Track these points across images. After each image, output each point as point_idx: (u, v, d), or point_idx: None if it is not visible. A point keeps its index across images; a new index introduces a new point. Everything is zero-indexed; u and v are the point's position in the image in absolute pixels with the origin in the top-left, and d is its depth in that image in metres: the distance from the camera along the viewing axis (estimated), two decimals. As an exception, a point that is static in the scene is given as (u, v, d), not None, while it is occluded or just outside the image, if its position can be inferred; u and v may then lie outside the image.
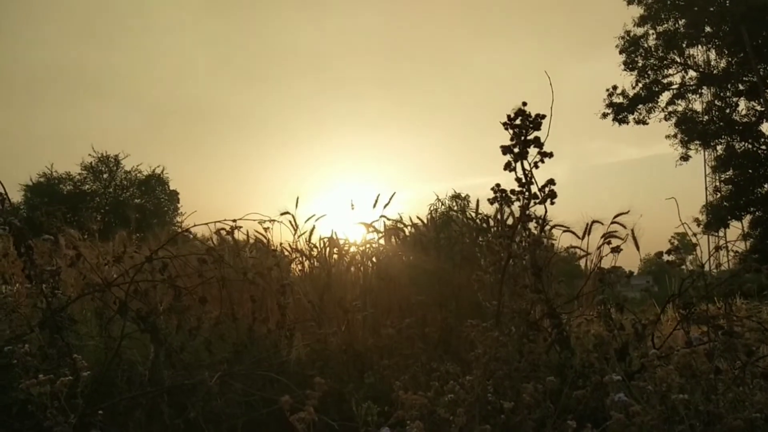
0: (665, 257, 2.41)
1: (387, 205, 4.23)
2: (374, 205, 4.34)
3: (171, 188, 39.11)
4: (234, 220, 3.09)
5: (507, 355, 1.74)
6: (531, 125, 1.53)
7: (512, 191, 1.59)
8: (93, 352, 2.79)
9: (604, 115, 25.60)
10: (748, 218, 24.14)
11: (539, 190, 1.56)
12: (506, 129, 1.55)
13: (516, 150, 1.53)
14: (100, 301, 2.76)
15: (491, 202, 1.60)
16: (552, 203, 1.56)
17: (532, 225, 2.02)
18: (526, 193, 1.53)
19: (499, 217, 3.99)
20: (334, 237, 4.00)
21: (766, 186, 23.48)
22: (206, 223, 3.05)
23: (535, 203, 1.56)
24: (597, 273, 2.58)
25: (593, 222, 4.03)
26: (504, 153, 1.55)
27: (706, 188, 28.70)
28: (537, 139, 1.53)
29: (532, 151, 1.59)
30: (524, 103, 1.52)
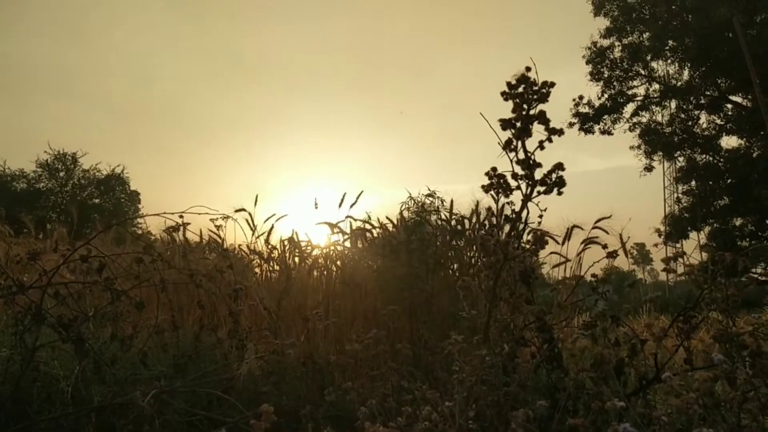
0: (664, 265, 2.15)
1: (354, 204, 3.92)
2: (340, 205, 4.02)
3: (132, 189, 37.97)
4: (181, 215, 2.71)
5: (496, 378, 1.44)
6: (535, 96, 1.23)
7: (514, 175, 1.27)
8: (5, 364, 2.38)
9: (570, 125, 25.71)
10: (707, 230, 24.56)
11: (545, 176, 1.25)
12: (506, 100, 1.25)
13: (518, 125, 1.23)
14: (17, 306, 2.36)
15: (486, 189, 1.29)
16: (560, 193, 1.25)
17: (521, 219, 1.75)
18: (529, 180, 1.22)
19: (478, 216, 3.71)
20: (295, 238, 3.66)
21: (725, 198, 23.91)
22: (146, 215, 2.66)
23: (540, 193, 1.25)
24: (595, 280, 2.31)
25: (573, 227, 3.79)
26: (504, 128, 1.24)
27: (665, 200, 29.20)
28: (543, 113, 1.23)
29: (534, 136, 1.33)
30: (528, 69, 1.22)
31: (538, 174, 1.22)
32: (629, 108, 25.63)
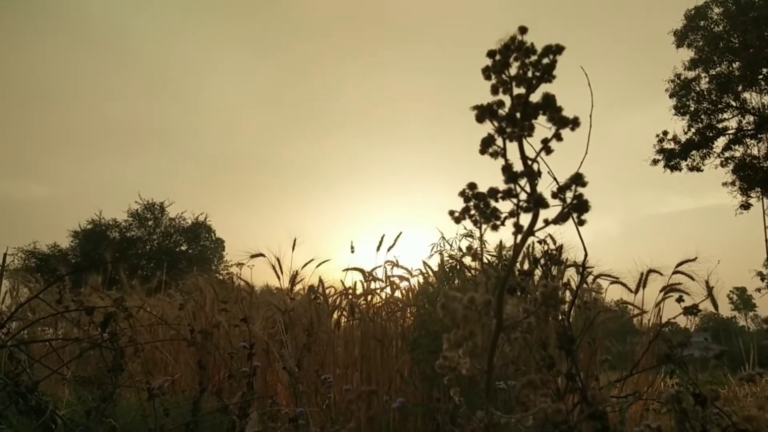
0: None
1: (391, 247, 3.49)
2: (378, 248, 3.60)
3: (217, 237, 39.21)
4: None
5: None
6: (537, 71, 0.77)
7: (492, 191, 0.78)
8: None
9: (655, 162, 24.24)
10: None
11: (555, 195, 0.76)
12: (487, 78, 0.80)
13: (503, 113, 0.76)
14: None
15: (458, 218, 0.81)
16: (580, 222, 0.76)
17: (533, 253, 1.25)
18: (523, 201, 0.72)
19: (530, 261, 3.19)
20: (319, 285, 3.26)
21: (837, 237, 21.64)
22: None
23: (547, 223, 0.76)
24: (662, 339, 1.76)
25: (649, 271, 3.19)
26: (479, 119, 0.76)
27: (766, 240, 26.79)
28: (549, 97, 0.76)
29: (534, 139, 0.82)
30: (523, 30, 0.76)
31: (546, 195, 0.76)
32: (720, 142, 23.91)
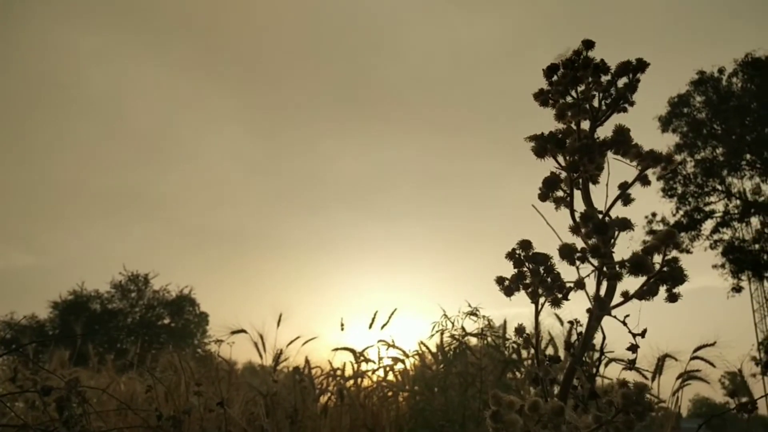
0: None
1: (385, 325, 3.23)
2: (370, 326, 3.34)
3: (201, 311, 38.39)
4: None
5: None
6: (609, 96, 0.58)
7: (567, 250, 0.56)
8: None
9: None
10: (812, 358, 21.84)
11: (637, 259, 0.57)
12: (543, 102, 0.60)
13: (569, 147, 0.56)
14: None
15: (508, 288, 0.60)
16: (672, 297, 0.55)
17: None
18: (609, 264, 0.53)
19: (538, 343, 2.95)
20: (305, 366, 2.97)
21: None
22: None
23: (627, 297, 0.55)
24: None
25: (665, 356, 2.96)
26: (540, 153, 0.55)
27: (755, 324, 26.50)
28: (622, 131, 0.56)
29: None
30: (588, 44, 0.58)
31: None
32: (708, 224, 24.10)
